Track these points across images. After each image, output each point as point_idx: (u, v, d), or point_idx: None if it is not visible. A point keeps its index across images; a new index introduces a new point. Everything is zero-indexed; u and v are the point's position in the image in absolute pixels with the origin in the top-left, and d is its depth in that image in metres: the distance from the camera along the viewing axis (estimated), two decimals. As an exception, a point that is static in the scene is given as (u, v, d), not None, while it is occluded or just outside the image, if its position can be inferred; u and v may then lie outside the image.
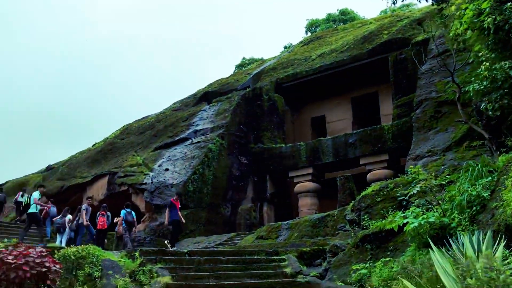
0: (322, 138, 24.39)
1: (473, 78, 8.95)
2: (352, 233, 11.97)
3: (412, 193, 8.26)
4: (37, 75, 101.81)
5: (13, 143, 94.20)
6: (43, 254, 7.35)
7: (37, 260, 7.15)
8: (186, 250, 11.45)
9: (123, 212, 16.76)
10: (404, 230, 8.00)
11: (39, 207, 14.79)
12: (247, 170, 24.59)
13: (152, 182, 22.33)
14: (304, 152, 23.67)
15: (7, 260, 6.95)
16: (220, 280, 9.61)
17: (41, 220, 15.68)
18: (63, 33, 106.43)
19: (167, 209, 15.76)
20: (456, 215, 7.49)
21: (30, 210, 14.62)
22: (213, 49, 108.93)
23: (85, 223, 15.67)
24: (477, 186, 7.13)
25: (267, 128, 25.77)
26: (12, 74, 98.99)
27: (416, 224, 7.57)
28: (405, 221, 7.92)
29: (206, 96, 30.28)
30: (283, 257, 11.46)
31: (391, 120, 23.92)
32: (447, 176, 11.76)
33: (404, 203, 11.52)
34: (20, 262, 6.95)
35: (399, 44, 23.70)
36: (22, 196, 21.37)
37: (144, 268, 10.18)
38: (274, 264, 10.85)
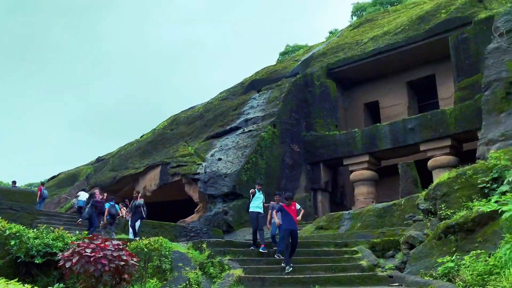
0: (378, 124, 23.48)
1: None
2: (428, 224, 11.24)
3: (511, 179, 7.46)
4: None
5: (64, 137, 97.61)
6: (120, 247, 7.10)
7: (115, 254, 6.91)
8: (253, 242, 11.07)
9: (107, 204, 16.56)
10: (503, 217, 7.26)
11: None
12: (300, 159, 24.06)
13: (205, 172, 22.16)
14: (360, 139, 22.86)
15: (86, 254, 6.74)
16: (294, 273, 9.17)
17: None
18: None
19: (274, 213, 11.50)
20: None
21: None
22: (255, 40, 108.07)
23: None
24: None
25: (319, 115, 25.09)
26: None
27: (523, 211, 6.83)
28: (506, 208, 7.17)
29: (254, 84, 29.83)
30: (355, 248, 10.91)
31: (449, 104, 22.75)
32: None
33: (486, 191, 10.70)
34: (99, 255, 6.72)
35: (459, 23, 22.35)
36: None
37: (213, 260, 9.88)
38: (347, 256, 10.32)
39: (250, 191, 12.28)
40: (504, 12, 19.30)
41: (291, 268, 9.47)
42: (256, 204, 11.92)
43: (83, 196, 18.88)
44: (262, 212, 11.94)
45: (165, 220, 20.80)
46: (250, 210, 11.95)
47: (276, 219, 10.56)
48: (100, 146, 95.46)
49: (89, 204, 15.81)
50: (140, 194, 16.12)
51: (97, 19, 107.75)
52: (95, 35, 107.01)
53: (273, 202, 12.01)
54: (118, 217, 17.27)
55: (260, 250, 11.12)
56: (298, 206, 10.58)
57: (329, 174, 24.69)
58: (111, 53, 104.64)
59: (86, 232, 8.86)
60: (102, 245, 7.02)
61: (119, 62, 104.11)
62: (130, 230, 15.46)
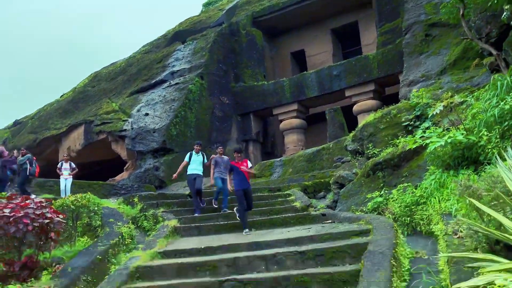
0: (305, 72, 23.63)
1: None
2: (357, 163, 11.61)
3: (434, 113, 7.74)
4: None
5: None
6: (43, 204, 6.63)
7: (38, 212, 6.44)
8: (187, 193, 10.88)
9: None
10: (428, 150, 7.58)
11: None
12: (229, 110, 23.81)
13: (132, 128, 21.35)
14: (288, 88, 22.96)
15: (4, 214, 6.22)
16: (229, 219, 9.14)
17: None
18: None
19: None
20: (485, 133, 7.05)
21: None
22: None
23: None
24: (510, 100, 6.64)
25: (247, 65, 24.78)
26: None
27: (442, 143, 7.14)
28: (428, 141, 7.47)
29: (178, 35, 28.69)
30: (288, 192, 11.07)
31: (372, 49, 23.31)
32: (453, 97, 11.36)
33: (410, 128, 11.15)
34: (19, 215, 6.23)
35: (379, -32, 22.58)
36: None
37: (146, 213, 9.62)
38: (280, 199, 10.45)
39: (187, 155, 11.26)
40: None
41: (250, 231, 8.46)
42: (194, 166, 10.90)
43: None
44: (201, 173, 10.89)
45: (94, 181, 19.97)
46: (187, 173, 10.92)
47: (229, 185, 9.43)
48: (16, 111, 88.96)
49: None
50: (25, 151, 14.71)
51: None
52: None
53: (215, 156, 11.00)
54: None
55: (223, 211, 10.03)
56: (250, 164, 9.40)
57: (260, 124, 24.75)
58: (24, 13, 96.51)
59: (5, 194, 8.21)
60: (23, 203, 6.52)
61: (34, 21, 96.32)
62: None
